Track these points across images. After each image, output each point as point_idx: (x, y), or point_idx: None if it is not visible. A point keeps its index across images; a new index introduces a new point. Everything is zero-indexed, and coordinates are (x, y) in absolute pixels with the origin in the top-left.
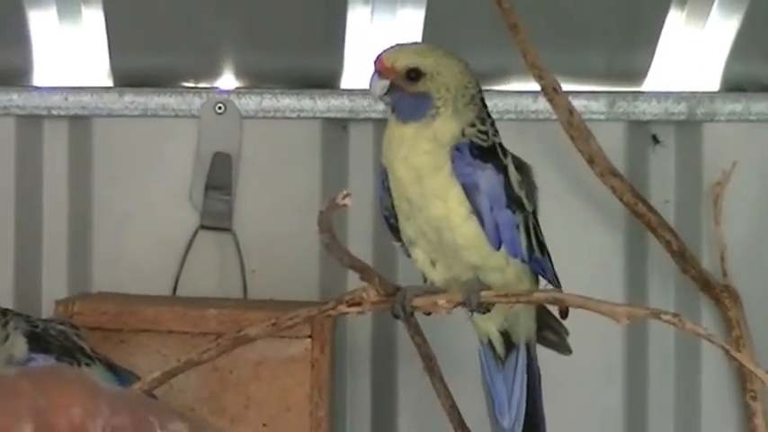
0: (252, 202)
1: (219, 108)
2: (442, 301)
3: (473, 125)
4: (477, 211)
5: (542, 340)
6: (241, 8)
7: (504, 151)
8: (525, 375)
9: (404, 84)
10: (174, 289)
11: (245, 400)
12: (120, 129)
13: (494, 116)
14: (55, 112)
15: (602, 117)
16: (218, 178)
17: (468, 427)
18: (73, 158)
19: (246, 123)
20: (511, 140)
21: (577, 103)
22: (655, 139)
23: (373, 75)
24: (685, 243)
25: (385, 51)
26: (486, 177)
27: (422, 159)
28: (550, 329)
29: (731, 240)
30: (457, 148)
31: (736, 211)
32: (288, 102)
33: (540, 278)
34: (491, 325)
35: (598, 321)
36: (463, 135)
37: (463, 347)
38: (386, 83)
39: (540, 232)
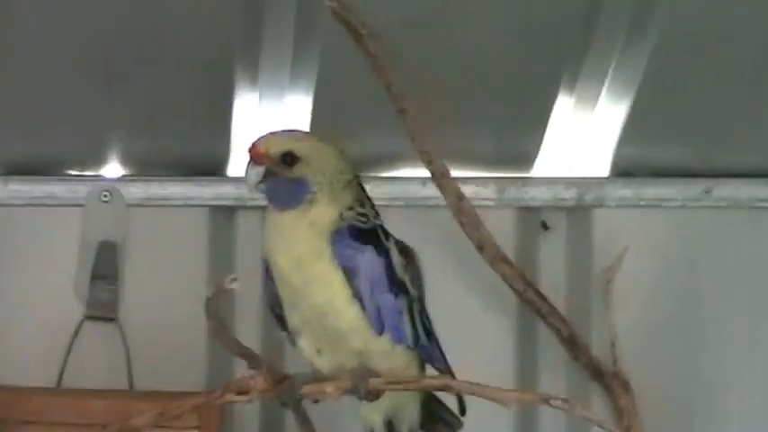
0: (138, 291)
1: (105, 196)
2: (330, 388)
3: (351, 208)
4: (357, 295)
5: None
6: (127, 94)
7: (387, 234)
8: None
9: (279, 169)
10: (59, 380)
11: None
12: (4, 218)
13: (382, 202)
14: None
15: (492, 203)
16: (104, 267)
17: None
18: None
19: (133, 211)
20: (400, 227)
21: (467, 189)
22: (544, 226)
23: (248, 163)
24: (576, 330)
25: (259, 138)
26: (366, 260)
27: (302, 247)
28: (443, 422)
29: (622, 327)
30: (336, 232)
31: (627, 297)
32: (175, 189)
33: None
34: (376, 414)
35: (489, 410)
36: (342, 218)
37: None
38: (261, 169)
39: (427, 318)
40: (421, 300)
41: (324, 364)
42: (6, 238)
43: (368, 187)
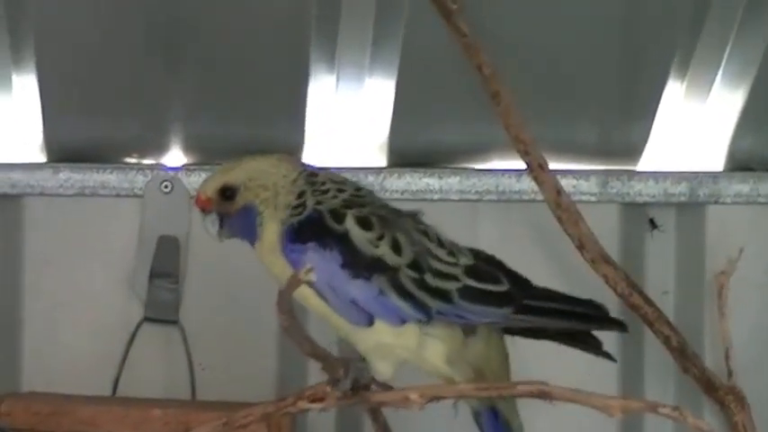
0: (202, 291)
1: (166, 187)
2: (414, 395)
3: (288, 207)
4: (322, 297)
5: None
6: (191, 74)
7: (341, 216)
8: None
9: (225, 207)
10: (114, 388)
11: None
12: (54, 209)
13: (471, 196)
14: None
15: (594, 198)
16: (164, 264)
17: None
18: (1, 242)
19: None
20: (491, 222)
21: (566, 183)
22: (652, 224)
23: (201, 216)
24: (686, 339)
25: (198, 188)
26: (311, 259)
27: (276, 273)
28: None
29: (737, 336)
30: (281, 243)
31: (743, 304)
32: None
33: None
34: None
35: (587, 428)
36: (282, 224)
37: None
38: (213, 216)
39: (444, 275)
40: (418, 262)
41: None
42: (56, 231)
43: (456, 179)
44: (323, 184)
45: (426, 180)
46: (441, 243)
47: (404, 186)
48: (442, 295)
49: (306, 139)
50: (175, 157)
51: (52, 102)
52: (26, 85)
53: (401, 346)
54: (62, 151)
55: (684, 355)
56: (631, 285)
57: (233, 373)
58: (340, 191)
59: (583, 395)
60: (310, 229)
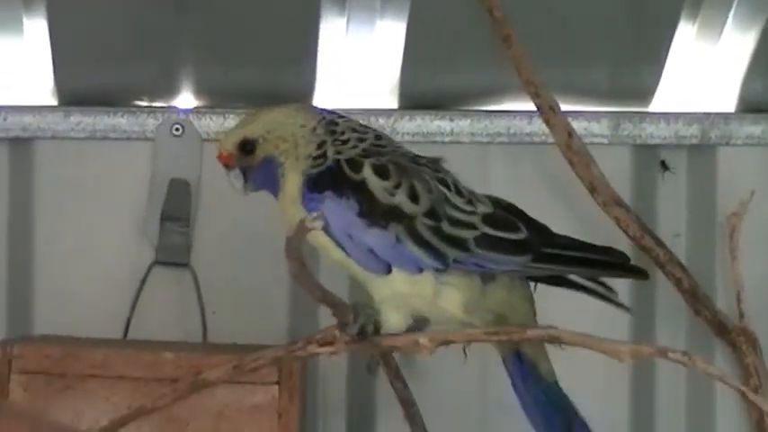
0: (213, 234)
1: (177, 130)
2: (423, 339)
3: (308, 157)
4: (340, 246)
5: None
6: (201, 17)
7: (359, 164)
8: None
9: (247, 161)
10: (126, 331)
11: None
12: (65, 152)
13: (483, 139)
14: None
15: (605, 140)
16: (176, 208)
17: None
18: (13, 185)
19: (207, 147)
20: (503, 165)
21: (577, 125)
22: (664, 165)
23: (227, 174)
24: (697, 281)
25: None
26: (328, 208)
27: (292, 224)
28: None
29: (749, 278)
30: (302, 194)
31: (755, 246)
32: None
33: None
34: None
35: (601, 372)
36: (303, 176)
37: (446, 392)
38: (237, 171)
39: (461, 224)
40: (435, 210)
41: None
42: (67, 175)
43: (467, 122)
44: (342, 133)
45: (437, 123)
46: (459, 191)
47: (415, 129)
48: (459, 244)
49: (317, 81)
50: (186, 100)
51: (63, 45)
52: (37, 29)
53: (417, 295)
54: (73, 95)
55: (696, 298)
56: (643, 228)
57: (244, 316)
58: (360, 140)
59: (593, 340)
60: (328, 179)
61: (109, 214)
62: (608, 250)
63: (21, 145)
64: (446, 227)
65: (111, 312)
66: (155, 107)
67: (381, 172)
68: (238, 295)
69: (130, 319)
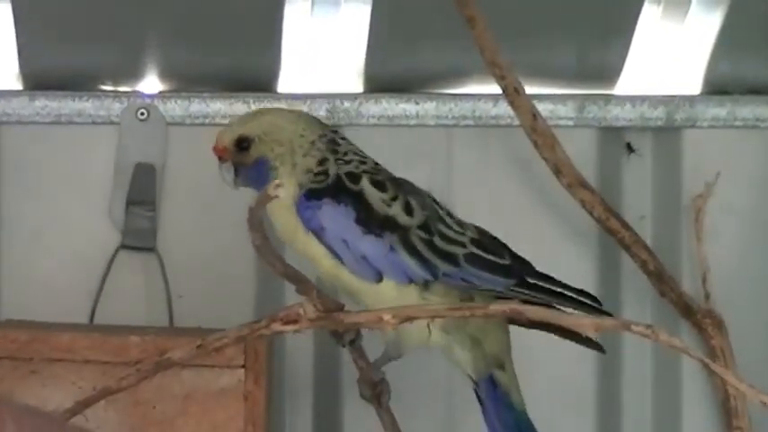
0: (178, 219)
1: (142, 114)
2: (387, 316)
3: (308, 172)
4: (333, 252)
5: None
6: (166, 1)
7: (357, 177)
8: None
9: (240, 158)
10: (92, 316)
11: None
12: (30, 137)
13: (448, 122)
14: None
15: (571, 123)
16: (141, 192)
17: None
18: None
19: (172, 131)
20: (468, 148)
21: (542, 107)
22: (629, 148)
23: (218, 164)
24: (663, 263)
25: (216, 136)
26: (325, 213)
27: (284, 228)
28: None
29: (714, 260)
30: (298, 202)
31: (720, 228)
32: (218, 106)
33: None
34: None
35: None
36: (300, 187)
37: (413, 375)
38: (229, 165)
39: (451, 241)
40: (428, 225)
41: None
42: (33, 159)
43: (433, 105)
44: (345, 154)
45: (403, 105)
46: (450, 215)
47: (380, 112)
48: (450, 258)
49: (282, 65)
50: (151, 84)
51: (27, 29)
52: (1, 13)
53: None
54: (38, 79)
55: (661, 280)
56: (608, 210)
57: (211, 301)
58: (362, 162)
59: (556, 314)
60: (326, 190)
61: (75, 199)
62: (583, 292)
63: None
64: (438, 241)
65: (77, 297)
66: (120, 92)
67: (378, 185)
68: (205, 280)
69: (96, 304)
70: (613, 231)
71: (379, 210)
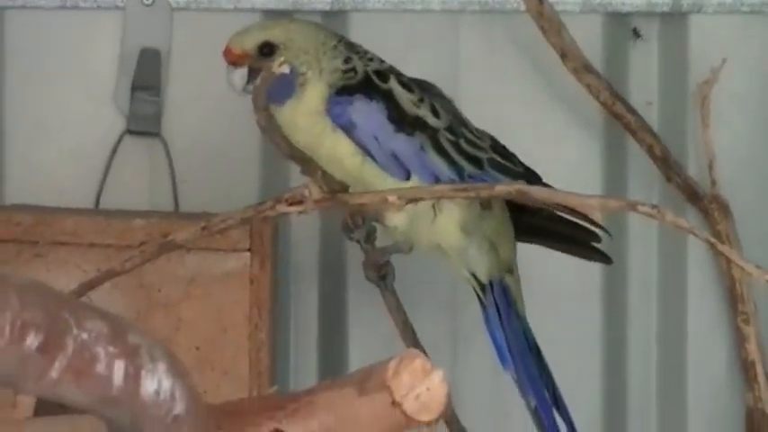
0: (184, 103)
1: None
2: (392, 197)
3: (336, 71)
4: (364, 149)
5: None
6: None
7: (386, 76)
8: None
9: (261, 63)
10: (97, 201)
11: (175, 321)
12: (34, 22)
13: (454, 7)
14: None
15: (577, 8)
16: (146, 77)
17: (423, 346)
18: None
19: (177, 16)
20: (475, 35)
21: None
22: (635, 33)
23: (228, 69)
24: (669, 148)
25: (230, 39)
26: (357, 109)
27: (307, 133)
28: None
29: (720, 146)
30: (328, 101)
31: (726, 114)
32: None
33: None
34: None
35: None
36: (330, 87)
37: (419, 259)
38: (243, 71)
39: (474, 144)
40: (453, 128)
41: None
42: (36, 45)
43: None
44: (366, 53)
45: None
46: (468, 123)
47: None
48: (475, 160)
49: None
50: None
51: None
52: None
53: (423, 207)
54: None
55: (667, 164)
56: (614, 94)
57: (216, 186)
58: (382, 62)
59: (560, 194)
60: (358, 87)
61: (79, 84)
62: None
63: None
64: (463, 144)
65: (81, 182)
66: None
67: (405, 85)
68: (210, 165)
69: (102, 188)
70: (619, 116)
71: (408, 110)
